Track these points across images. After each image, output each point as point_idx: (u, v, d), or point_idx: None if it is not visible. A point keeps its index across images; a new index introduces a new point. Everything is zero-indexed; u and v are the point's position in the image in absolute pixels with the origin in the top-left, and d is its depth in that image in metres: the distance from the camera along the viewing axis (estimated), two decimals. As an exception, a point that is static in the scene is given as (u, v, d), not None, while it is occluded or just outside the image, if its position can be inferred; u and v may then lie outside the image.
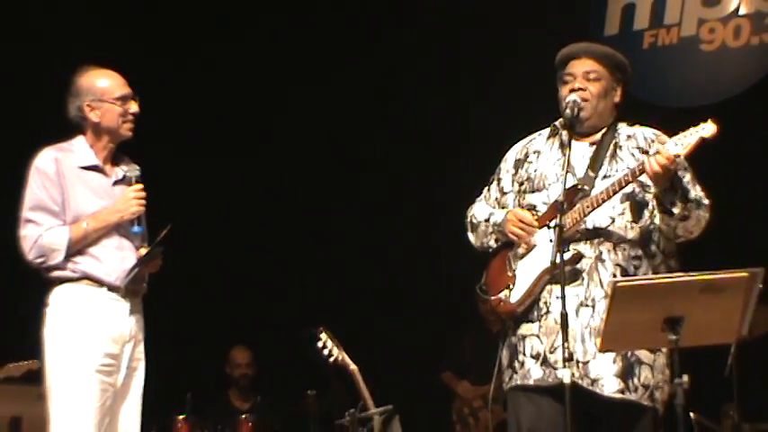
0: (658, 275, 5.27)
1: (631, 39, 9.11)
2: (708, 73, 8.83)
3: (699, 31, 9.04)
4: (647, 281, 5.19)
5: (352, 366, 6.84)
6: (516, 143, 5.67)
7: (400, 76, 9.53)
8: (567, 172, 5.24)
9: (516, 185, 5.56)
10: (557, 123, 5.47)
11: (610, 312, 4.99)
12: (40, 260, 5.42)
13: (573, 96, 5.35)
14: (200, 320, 8.90)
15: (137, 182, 5.56)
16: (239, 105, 9.92)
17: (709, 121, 5.04)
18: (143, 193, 5.52)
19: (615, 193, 5.20)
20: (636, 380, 5.24)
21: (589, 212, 5.23)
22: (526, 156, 5.58)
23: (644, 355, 5.25)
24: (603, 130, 5.45)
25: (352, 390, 6.88)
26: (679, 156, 5.06)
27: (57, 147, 5.57)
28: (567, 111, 5.32)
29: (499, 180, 5.65)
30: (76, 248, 5.43)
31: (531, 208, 5.43)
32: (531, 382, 5.33)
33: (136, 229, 5.53)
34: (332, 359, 6.85)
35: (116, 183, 5.60)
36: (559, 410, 5.19)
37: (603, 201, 5.21)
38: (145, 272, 5.59)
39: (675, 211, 5.19)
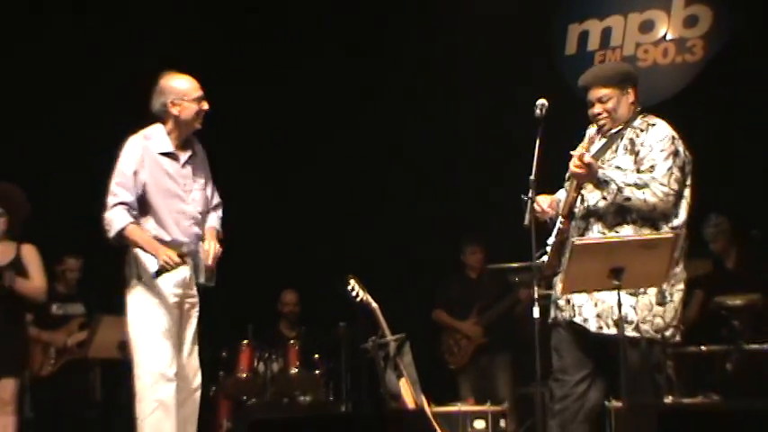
0: (606, 236, 5.28)
1: (585, 57, 9.10)
2: (642, 84, 8.73)
3: (636, 51, 9.05)
4: (597, 240, 5.22)
5: (374, 304, 6.84)
6: None
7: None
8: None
9: None
10: None
11: (569, 264, 5.04)
12: (105, 227, 5.39)
13: (594, 112, 5.43)
14: (259, 270, 8.91)
15: (182, 258, 5.41)
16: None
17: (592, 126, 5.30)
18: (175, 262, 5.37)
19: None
20: (616, 318, 5.14)
21: (575, 195, 5.30)
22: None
23: (624, 298, 5.12)
24: (620, 126, 5.42)
25: (374, 322, 6.87)
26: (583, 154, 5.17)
27: (143, 135, 5.55)
28: (594, 124, 5.46)
29: None
30: (122, 242, 5.37)
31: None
32: (550, 319, 5.43)
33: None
34: (358, 299, 6.85)
35: (184, 164, 5.57)
36: (572, 334, 5.34)
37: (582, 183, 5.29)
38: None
39: (609, 198, 5.20)
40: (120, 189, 5.40)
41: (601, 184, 5.23)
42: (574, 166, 5.19)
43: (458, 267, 8.65)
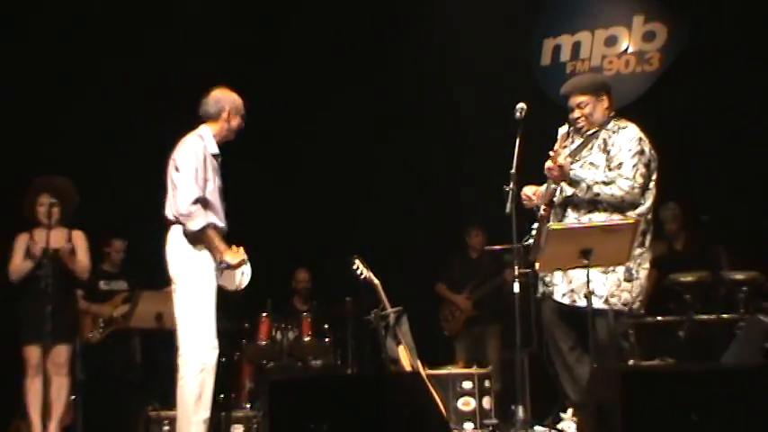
0: (578, 222, 5.32)
1: (559, 67, 9.14)
2: None
3: (602, 62, 9.08)
4: (568, 225, 5.27)
5: (376, 281, 6.84)
6: None
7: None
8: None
9: None
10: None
11: (546, 246, 5.09)
12: (183, 217, 5.34)
13: (574, 116, 5.50)
14: (275, 251, 8.85)
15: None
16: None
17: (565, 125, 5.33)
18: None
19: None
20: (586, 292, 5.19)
21: (555, 187, 5.38)
22: None
23: (596, 274, 5.21)
24: (596, 128, 5.48)
25: (376, 297, 6.87)
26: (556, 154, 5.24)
27: (198, 135, 5.52)
28: (572, 124, 5.51)
29: None
30: (197, 239, 5.37)
31: None
32: (539, 294, 5.53)
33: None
34: (362, 276, 6.84)
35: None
36: (552, 310, 5.42)
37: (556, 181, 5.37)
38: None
39: (579, 194, 5.27)
40: (195, 185, 5.37)
41: (573, 182, 5.28)
42: (548, 168, 5.25)
43: (461, 247, 8.68)
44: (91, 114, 8.90)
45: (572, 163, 5.38)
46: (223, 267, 5.39)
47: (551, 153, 5.26)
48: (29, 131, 8.63)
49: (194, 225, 5.33)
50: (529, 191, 5.48)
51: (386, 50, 9.47)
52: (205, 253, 5.41)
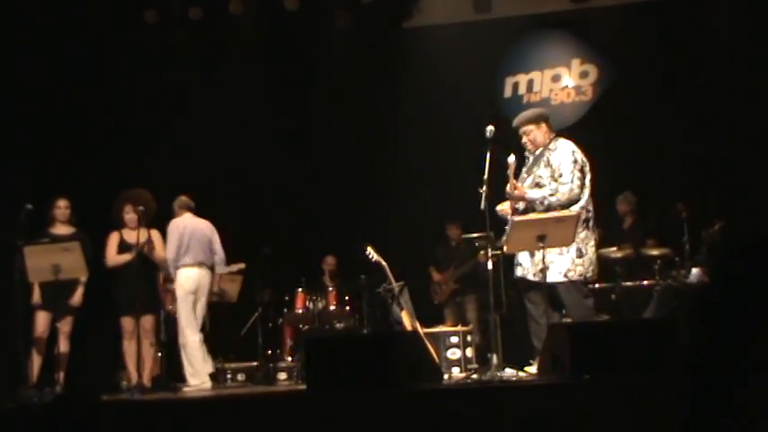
0: (534, 214, 5.35)
1: (516, 99, 9.10)
2: (554, 114, 8.70)
3: (550, 94, 9.05)
4: (527, 217, 5.31)
5: (383, 263, 6.83)
6: None
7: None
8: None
9: None
10: None
11: (511, 233, 5.13)
12: (224, 263, 6.89)
13: (523, 141, 5.54)
14: (309, 242, 8.68)
15: None
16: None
17: (511, 154, 5.31)
18: None
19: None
20: (552, 270, 5.23)
21: (514, 195, 5.40)
22: None
23: (555, 256, 5.22)
24: (542, 149, 5.50)
25: (384, 275, 6.86)
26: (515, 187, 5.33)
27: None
28: (525, 149, 5.58)
29: None
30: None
31: None
32: (516, 276, 5.55)
33: None
34: (373, 260, 6.84)
35: None
36: (527, 286, 5.42)
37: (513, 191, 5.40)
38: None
39: (537, 207, 5.32)
40: None
41: (530, 201, 5.33)
42: (508, 192, 5.35)
43: (444, 237, 8.51)
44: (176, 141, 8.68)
45: (528, 177, 5.45)
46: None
47: (509, 184, 5.34)
48: (119, 151, 8.52)
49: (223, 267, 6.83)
50: (499, 207, 5.50)
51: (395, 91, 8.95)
52: None
